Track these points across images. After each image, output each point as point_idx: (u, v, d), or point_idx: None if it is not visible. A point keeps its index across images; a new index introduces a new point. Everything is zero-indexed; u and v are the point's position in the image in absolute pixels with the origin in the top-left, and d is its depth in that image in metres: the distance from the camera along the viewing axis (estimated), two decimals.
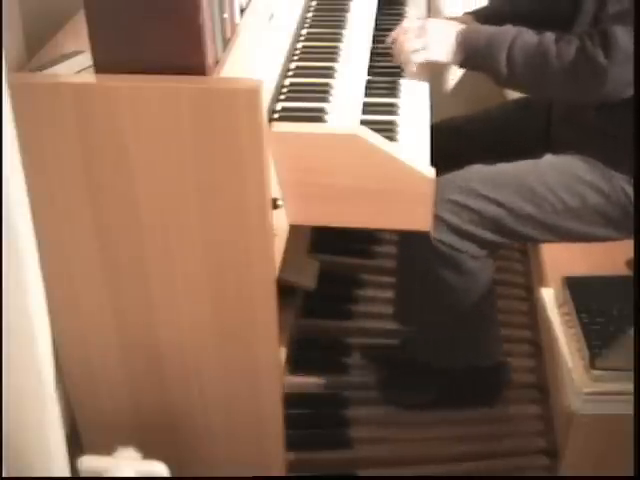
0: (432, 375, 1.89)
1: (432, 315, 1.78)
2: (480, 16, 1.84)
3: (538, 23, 1.72)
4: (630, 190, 1.63)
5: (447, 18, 1.86)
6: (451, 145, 1.80)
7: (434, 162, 1.42)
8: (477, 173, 1.66)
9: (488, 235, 1.65)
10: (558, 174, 1.65)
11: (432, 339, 1.84)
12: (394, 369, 1.98)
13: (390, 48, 1.69)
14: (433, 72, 1.77)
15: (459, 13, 1.91)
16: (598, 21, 1.56)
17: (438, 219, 1.57)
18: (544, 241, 1.78)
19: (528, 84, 1.59)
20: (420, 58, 1.63)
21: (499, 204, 1.63)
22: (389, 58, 1.70)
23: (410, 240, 1.71)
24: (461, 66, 1.62)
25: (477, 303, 1.72)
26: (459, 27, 1.62)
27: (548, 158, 1.69)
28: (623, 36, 1.46)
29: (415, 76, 1.66)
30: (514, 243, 1.99)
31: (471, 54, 1.59)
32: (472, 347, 1.83)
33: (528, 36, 1.56)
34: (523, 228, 1.65)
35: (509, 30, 1.58)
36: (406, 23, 1.69)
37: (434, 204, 1.42)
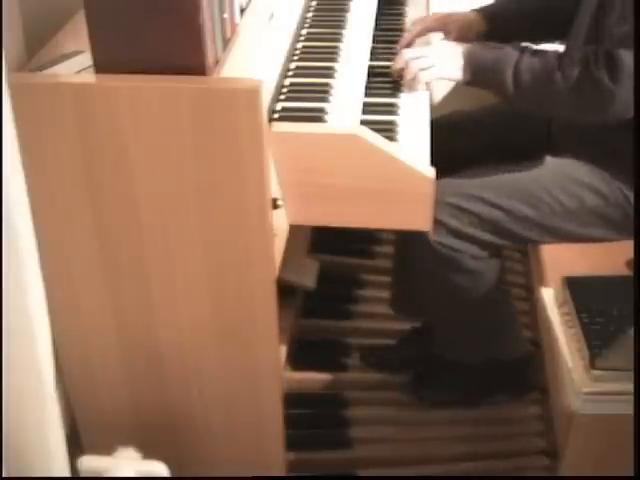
0: (458, 371, 1.89)
1: (444, 311, 1.78)
2: (487, 13, 1.83)
3: (543, 21, 1.72)
4: (628, 192, 1.63)
5: (453, 13, 1.85)
6: (451, 141, 1.80)
7: (433, 158, 1.42)
8: (476, 176, 1.66)
9: (488, 237, 1.65)
10: (556, 176, 1.65)
11: (448, 334, 1.84)
12: (422, 368, 1.98)
13: (396, 56, 1.66)
14: None
15: (465, 9, 1.90)
16: (598, 21, 1.56)
17: (437, 222, 1.57)
18: (544, 242, 1.78)
19: (534, 101, 1.59)
20: (429, 76, 1.61)
21: (497, 207, 1.63)
22: (390, 57, 1.69)
23: (408, 242, 1.71)
24: (468, 83, 1.61)
25: (487, 299, 1.72)
26: (464, 46, 1.61)
27: (547, 161, 1.69)
28: (628, 59, 1.46)
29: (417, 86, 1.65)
30: (515, 245, 1.99)
31: (477, 71, 1.58)
32: (492, 342, 1.84)
33: (533, 55, 1.55)
34: (522, 230, 1.66)
35: (515, 49, 1.57)
36: (408, 51, 1.66)
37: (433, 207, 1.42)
